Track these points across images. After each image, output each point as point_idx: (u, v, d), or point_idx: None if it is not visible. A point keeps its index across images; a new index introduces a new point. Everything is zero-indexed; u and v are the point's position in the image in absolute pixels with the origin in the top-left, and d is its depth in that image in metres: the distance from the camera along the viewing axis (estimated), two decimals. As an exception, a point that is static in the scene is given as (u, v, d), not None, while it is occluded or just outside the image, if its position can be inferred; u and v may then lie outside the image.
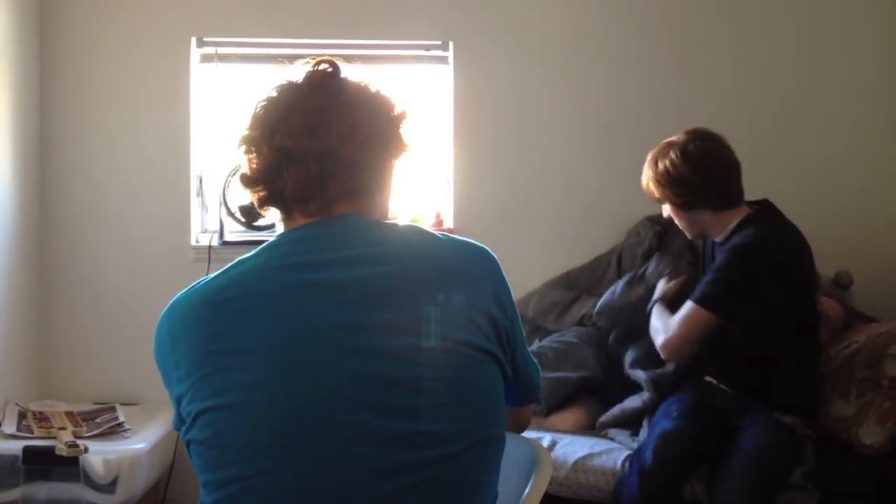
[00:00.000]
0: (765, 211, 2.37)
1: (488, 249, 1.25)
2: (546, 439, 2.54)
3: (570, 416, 2.71)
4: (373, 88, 1.28)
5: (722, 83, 3.22)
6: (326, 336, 1.10)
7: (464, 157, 3.19)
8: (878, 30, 3.24)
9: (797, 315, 2.33)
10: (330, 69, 1.26)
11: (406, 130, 1.29)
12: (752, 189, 2.78)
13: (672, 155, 2.30)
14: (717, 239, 2.38)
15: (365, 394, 1.08)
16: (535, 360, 1.36)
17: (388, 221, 1.29)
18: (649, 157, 2.39)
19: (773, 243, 2.27)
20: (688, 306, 2.29)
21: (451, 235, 1.26)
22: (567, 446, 2.50)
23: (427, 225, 3.14)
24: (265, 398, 1.08)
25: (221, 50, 3.17)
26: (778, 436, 2.24)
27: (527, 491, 1.37)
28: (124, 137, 3.11)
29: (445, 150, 3.21)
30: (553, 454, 2.44)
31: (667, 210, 2.43)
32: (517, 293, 1.29)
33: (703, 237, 2.46)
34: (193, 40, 3.14)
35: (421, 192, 3.25)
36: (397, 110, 1.28)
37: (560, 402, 2.74)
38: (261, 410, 1.08)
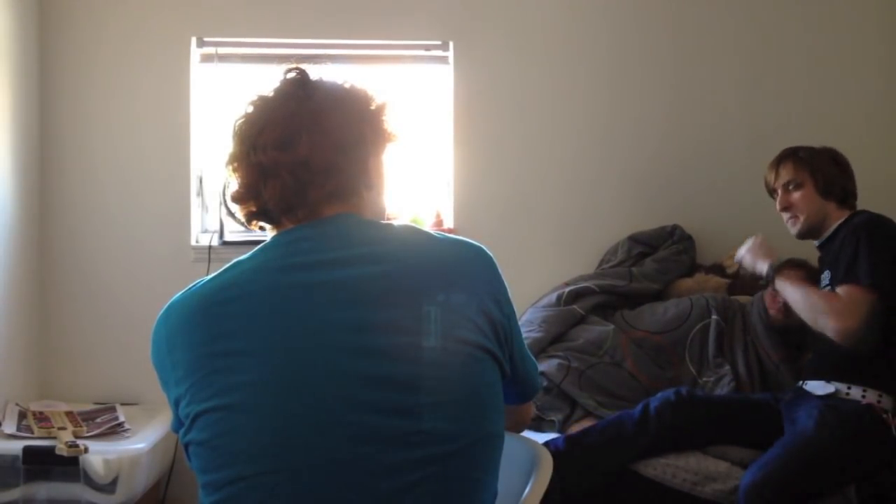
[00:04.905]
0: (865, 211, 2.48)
1: (485, 248, 1.25)
2: None
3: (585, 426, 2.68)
4: (347, 86, 1.28)
5: (724, 85, 3.22)
6: (326, 336, 1.10)
7: (464, 157, 3.19)
8: (882, 34, 3.25)
9: None
10: (298, 76, 1.26)
11: (387, 122, 1.28)
12: (752, 194, 2.78)
13: (822, 152, 2.50)
14: (821, 238, 2.48)
15: (365, 393, 1.08)
16: (533, 358, 1.36)
17: (383, 221, 1.28)
18: (786, 151, 2.55)
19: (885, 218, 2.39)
20: (848, 289, 2.25)
21: (447, 234, 1.26)
22: None
23: (427, 225, 3.14)
24: (265, 398, 1.08)
25: (221, 50, 3.17)
26: (833, 426, 2.18)
27: (527, 491, 1.37)
28: (124, 137, 3.11)
29: (445, 150, 3.21)
30: None
31: (785, 199, 2.49)
32: (517, 294, 1.28)
33: (814, 234, 2.49)
34: (193, 40, 3.13)
35: (421, 192, 3.25)
36: (374, 104, 1.28)
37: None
38: (260, 411, 1.08)
